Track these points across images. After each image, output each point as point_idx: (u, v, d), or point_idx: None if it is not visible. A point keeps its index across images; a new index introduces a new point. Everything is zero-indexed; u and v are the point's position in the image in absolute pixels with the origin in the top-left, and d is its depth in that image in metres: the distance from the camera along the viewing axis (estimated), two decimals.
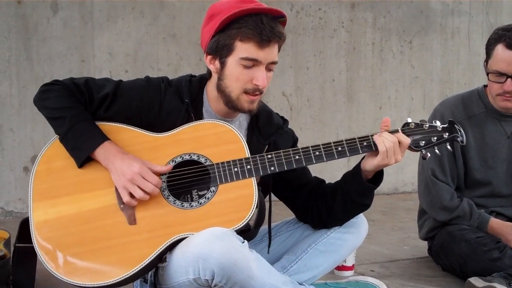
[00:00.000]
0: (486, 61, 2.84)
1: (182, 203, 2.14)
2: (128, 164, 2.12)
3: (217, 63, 2.23)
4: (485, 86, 2.94)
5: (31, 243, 2.13)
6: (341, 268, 2.95)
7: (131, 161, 2.14)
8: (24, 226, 2.24)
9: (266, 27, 2.14)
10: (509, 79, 2.78)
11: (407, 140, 2.20)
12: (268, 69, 2.21)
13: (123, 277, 2.06)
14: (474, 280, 2.57)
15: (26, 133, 4.39)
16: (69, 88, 2.23)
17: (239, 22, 2.15)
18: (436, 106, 3.11)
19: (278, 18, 2.21)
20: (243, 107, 2.23)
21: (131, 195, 2.11)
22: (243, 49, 2.16)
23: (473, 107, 2.99)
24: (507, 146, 2.96)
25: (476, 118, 2.97)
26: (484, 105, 2.97)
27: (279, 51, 2.24)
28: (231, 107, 2.25)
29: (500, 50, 2.76)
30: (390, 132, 2.22)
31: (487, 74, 2.86)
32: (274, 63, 2.22)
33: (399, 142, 2.19)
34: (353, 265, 2.97)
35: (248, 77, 2.18)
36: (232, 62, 2.18)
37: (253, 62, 2.17)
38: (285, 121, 2.43)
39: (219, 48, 2.20)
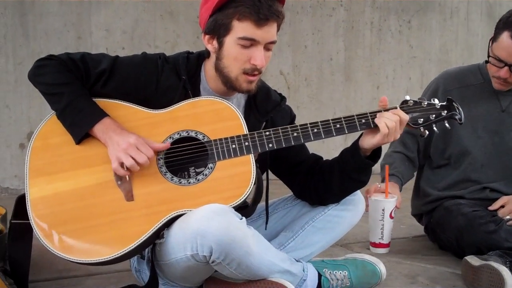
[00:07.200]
0: (492, 40, 2.84)
1: (179, 180, 2.13)
2: (125, 136, 2.11)
3: (215, 42, 2.21)
4: (487, 62, 2.94)
5: (27, 219, 2.12)
6: (377, 245, 2.96)
7: (129, 133, 2.13)
8: (20, 202, 2.22)
9: (263, 6, 2.11)
10: (506, 67, 2.80)
11: (406, 117, 2.20)
12: (267, 48, 2.19)
13: (120, 253, 2.05)
14: (470, 259, 2.58)
15: (22, 109, 4.38)
16: (65, 63, 2.21)
17: (237, 1, 2.12)
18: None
19: None
20: (241, 87, 2.22)
21: (122, 165, 2.10)
22: (241, 28, 2.13)
23: (470, 77, 3.02)
24: (499, 119, 2.97)
25: (472, 88, 2.99)
26: (482, 77, 3.00)
27: (278, 30, 2.21)
28: (230, 87, 2.23)
29: (505, 38, 2.75)
30: (388, 109, 2.21)
31: (488, 54, 2.86)
32: (273, 42, 2.19)
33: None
34: (389, 242, 2.98)
35: (246, 57, 2.16)
36: (230, 42, 2.16)
37: (251, 42, 2.15)
38: (283, 98, 2.42)
39: (216, 28, 2.17)
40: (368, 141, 2.23)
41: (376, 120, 2.19)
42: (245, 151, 2.15)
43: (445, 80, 3.05)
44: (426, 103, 2.25)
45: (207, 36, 2.22)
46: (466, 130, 2.92)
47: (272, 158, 2.34)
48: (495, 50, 2.82)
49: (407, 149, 3.12)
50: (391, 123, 2.17)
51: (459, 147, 2.99)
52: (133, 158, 2.08)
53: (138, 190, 2.12)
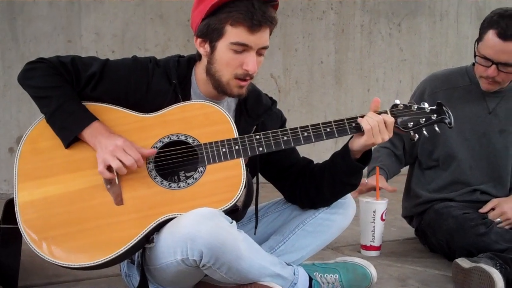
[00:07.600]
0: (478, 41, 2.85)
1: (169, 184, 2.12)
2: (113, 139, 2.10)
3: (207, 46, 2.20)
4: (474, 64, 2.95)
5: (16, 224, 2.11)
6: (368, 248, 2.96)
7: (116, 136, 2.12)
8: (9, 206, 2.22)
9: (257, 12, 2.11)
10: (493, 66, 2.80)
11: (391, 120, 2.21)
12: (259, 53, 2.19)
13: (109, 257, 2.04)
14: (461, 261, 2.58)
15: (12, 113, 4.36)
16: (55, 66, 2.20)
17: (230, 6, 2.12)
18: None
19: (269, 2, 2.17)
20: (232, 91, 2.21)
21: (109, 168, 2.09)
22: (234, 33, 2.13)
23: (457, 79, 3.03)
24: (487, 121, 2.97)
25: (459, 90, 3.00)
26: (469, 79, 3.01)
27: (270, 35, 2.21)
28: (220, 91, 2.23)
29: (490, 36, 2.76)
30: (378, 113, 2.22)
31: (475, 54, 2.87)
32: (265, 48, 2.19)
33: (384, 122, 2.19)
34: (380, 245, 2.98)
35: (238, 62, 2.16)
36: (222, 46, 2.16)
37: (244, 47, 2.14)
38: (274, 102, 2.42)
39: (209, 32, 2.16)
40: (357, 142, 2.23)
41: (359, 118, 2.21)
42: (235, 155, 2.14)
43: (432, 82, 3.06)
44: (416, 107, 2.26)
45: (199, 40, 2.22)
46: (453, 132, 2.92)
47: (263, 161, 2.34)
48: (481, 49, 2.83)
49: (394, 146, 3.14)
50: (372, 121, 2.18)
51: (447, 149, 3.00)
52: (120, 160, 2.08)
53: (127, 194, 2.11)
